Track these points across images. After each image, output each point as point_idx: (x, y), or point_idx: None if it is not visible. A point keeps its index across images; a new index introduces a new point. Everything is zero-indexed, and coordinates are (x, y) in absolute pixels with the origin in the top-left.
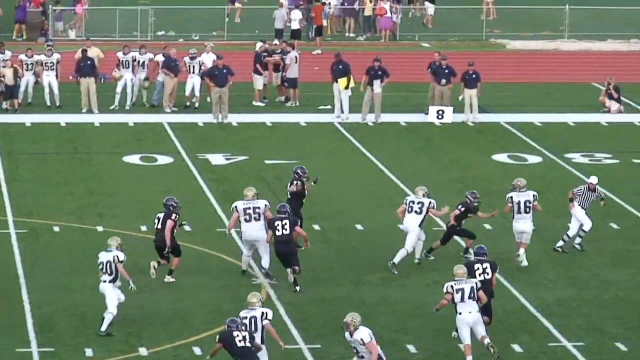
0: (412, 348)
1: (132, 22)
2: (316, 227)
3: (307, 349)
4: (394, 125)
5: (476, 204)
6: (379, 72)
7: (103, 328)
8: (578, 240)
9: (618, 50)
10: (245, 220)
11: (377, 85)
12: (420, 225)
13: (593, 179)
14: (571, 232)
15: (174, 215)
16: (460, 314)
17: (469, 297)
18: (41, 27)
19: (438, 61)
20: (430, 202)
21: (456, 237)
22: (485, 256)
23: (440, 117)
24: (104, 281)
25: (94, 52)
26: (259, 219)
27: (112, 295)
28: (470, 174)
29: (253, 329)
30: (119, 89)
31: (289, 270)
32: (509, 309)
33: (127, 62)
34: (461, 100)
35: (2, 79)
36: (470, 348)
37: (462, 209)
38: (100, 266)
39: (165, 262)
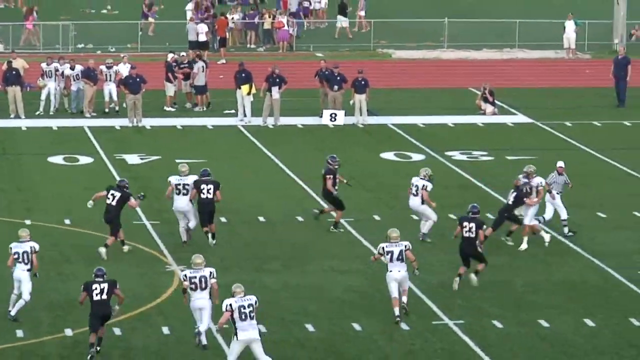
0: (310, 327)
1: (55, 36)
2: (223, 219)
3: (215, 329)
4: (291, 128)
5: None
6: (277, 80)
7: (13, 312)
8: (566, 230)
9: (492, 58)
10: (176, 193)
11: (276, 91)
12: (422, 205)
13: (560, 163)
14: (548, 216)
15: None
16: (390, 271)
17: (397, 259)
18: None
19: (325, 68)
20: (423, 185)
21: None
22: (477, 214)
23: (333, 119)
24: (22, 270)
25: (19, 64)
26: (186, 194)
27: (28, 284)
28: (361, 171)
29: (203, 286)
30: (43, 97)
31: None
32: None
33: (50, 72)
34: (352, 105)
35: None
36: (397, 301)
37: None
38: (17, 256)
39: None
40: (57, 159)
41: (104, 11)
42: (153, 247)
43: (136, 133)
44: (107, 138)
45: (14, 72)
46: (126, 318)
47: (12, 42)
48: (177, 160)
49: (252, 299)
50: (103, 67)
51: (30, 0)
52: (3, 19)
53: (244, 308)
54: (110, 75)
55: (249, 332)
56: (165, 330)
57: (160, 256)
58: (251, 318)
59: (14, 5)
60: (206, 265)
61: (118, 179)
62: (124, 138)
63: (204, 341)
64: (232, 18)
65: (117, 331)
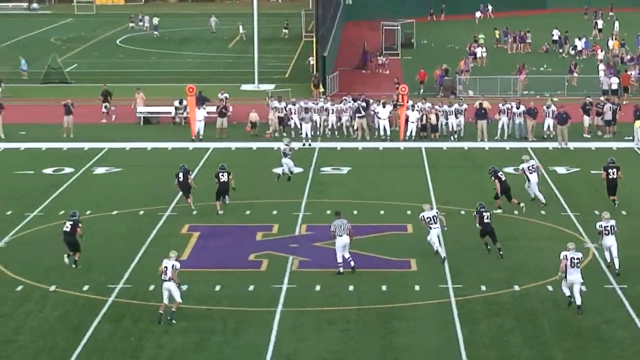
0: None
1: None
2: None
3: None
4: None
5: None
6: None
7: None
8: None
9: None
10: None
11: None
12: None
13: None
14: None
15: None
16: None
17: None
18: None
19: None
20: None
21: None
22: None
23: None
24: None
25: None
26: None
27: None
28: None
29: (167, 272)
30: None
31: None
32: None
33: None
34: None
35: None
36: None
37: None
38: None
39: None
40: (509, 169)
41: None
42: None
43: (563, 152)
44: (543, 155)
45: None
46: None
47: None
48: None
49: (579, 254)
50: (544, 107)
51: None
52: None
53: (574, 259)
54: (548, 112)
55: (574, 276)
56: None
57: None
58: (577, 267)
59: None
60: None
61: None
62: (555, 156)
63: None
64: (630, 74)
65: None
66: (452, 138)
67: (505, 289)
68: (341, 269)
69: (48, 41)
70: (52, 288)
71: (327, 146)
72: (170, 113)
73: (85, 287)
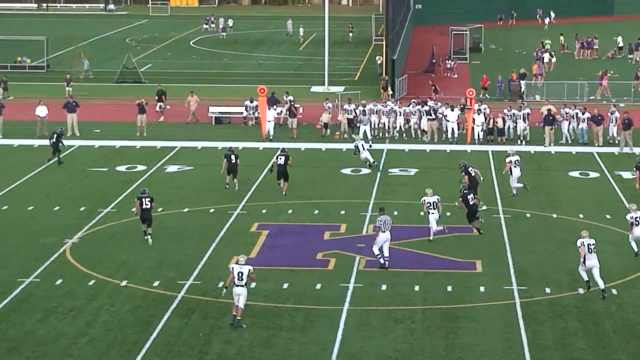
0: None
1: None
2: None
3: None
4: None
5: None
6: None
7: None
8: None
9: None
10: None
11: None
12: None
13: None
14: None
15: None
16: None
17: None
18: None
19: None
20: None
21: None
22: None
23: None
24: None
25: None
26: None
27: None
28: None
29: (242, 278)
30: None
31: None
32: None
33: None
34: None
35: None
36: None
37: None
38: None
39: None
40: (575, 173)
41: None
42: None
43: (629, 157)
44: (609, 160)
45: None
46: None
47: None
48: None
49: (593, 240)
50: (609, 113)
51: None
52: None
53: (590, 245)
54: (612, 119)
55: (592, 261)
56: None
57: None
58: (594, 252)
59: None
60: None
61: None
62: (621, 160)
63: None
64: None
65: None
66: (518, 142)
67: (570, 291)
68: (381, 260)
69: (123, 41)
70: (123, 283)
71: (395, 148)
72: (241, 113)
73: (156, 283)
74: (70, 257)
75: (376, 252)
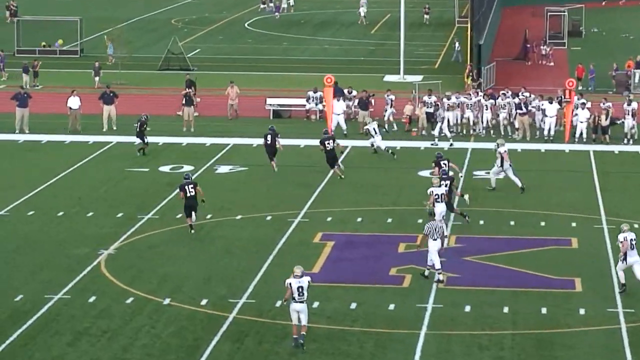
0: None
1: None
2: None
3: None
4: None
5: None
6: None
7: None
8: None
9: None
10: None
11: None
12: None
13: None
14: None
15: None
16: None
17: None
18: None
19: None
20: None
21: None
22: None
23: None
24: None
25: None
26: None
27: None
28: None
29: (303, 292)
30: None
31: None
32: None
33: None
34: None
35: None
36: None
37: None
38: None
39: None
40: None
41: None
42: None
43: None
44: None
45: None
46: None
47: None
48: None
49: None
50: None
51: None
52: None
53: (632, 240)
54: None
55: (634, 257)
56: None
57: None
58: (634, 247)
59: None
60: None
61: None
62: None
63: None
64: None
65: None
66: (625, 141)
67: None
68: (427, 273)
69: (168, 23)
70: (167, 301)
71: (481, 147)
72: (303, 106)
73: (204, 301)
74: (105, 271)
75: (429, 263)
